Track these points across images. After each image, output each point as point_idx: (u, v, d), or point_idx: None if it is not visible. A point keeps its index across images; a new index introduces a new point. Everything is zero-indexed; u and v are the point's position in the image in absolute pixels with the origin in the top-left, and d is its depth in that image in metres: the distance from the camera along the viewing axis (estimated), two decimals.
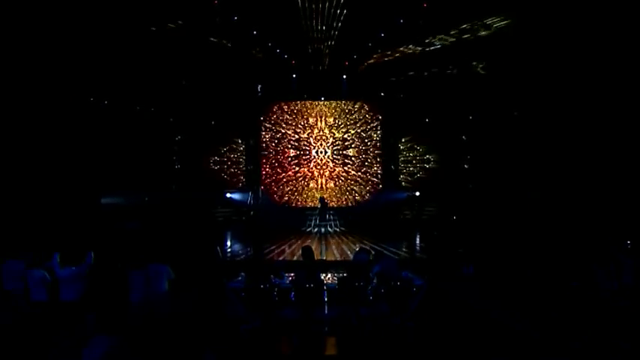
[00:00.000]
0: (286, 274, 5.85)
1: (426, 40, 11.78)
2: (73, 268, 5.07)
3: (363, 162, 16.51)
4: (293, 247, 10.60)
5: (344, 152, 16.53)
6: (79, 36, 9.74)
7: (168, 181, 15.18)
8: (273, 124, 16.44)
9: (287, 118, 16.44)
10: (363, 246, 8.72)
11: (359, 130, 16.52)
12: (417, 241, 11.52)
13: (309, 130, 16.47)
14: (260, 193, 13.98)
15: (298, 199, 16.29)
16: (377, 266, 5.60)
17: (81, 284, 5.05)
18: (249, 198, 15.83)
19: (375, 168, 16.47)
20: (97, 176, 12.44)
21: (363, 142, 16.53)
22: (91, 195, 12.33)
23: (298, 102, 16.35)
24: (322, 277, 5.75)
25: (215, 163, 16.28)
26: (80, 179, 11.75)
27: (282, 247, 10.49)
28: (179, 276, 5.81)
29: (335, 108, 16.46)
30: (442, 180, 15.75)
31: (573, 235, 8.93)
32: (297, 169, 16.46)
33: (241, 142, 16.58)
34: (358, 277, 5.33)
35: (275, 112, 16.44)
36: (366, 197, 16.27)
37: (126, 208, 12.92)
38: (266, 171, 16.40)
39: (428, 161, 16.26)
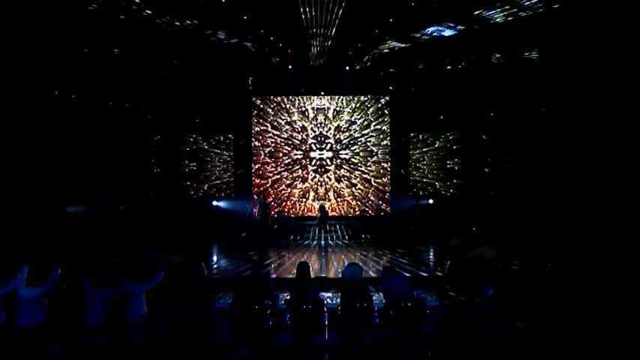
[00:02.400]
0: (281, 294, 5.83)
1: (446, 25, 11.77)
2: (37, 288, 5.02)
3: (368, 166, 16.53)
4: (288, 262, 10.55)
5: (347, 154, 16.55)
6: (38, 18, 9.72)
7: (145, 187, 15.16)
8: (266, 123, 16.48)
9: (282, 116, 16.48)
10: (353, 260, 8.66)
11: (364, 130, 16.56)
12: (431, 256, 11.46)
13: (308, 130, 16.51)
14: (259, 207, 13.85)
15: (295, 208, 16.28)
16: (386, 282, 5.56)
17: (43, 306, 5.00)
18: (249, 211, 15.77)
19: (383, 172, 16.49)
20: (62, 181, 12.42)
21: (368, 143, 16.56)
22: (55, 203, 12.30)
23: (295, 97, 16.41)
24: (322, 297, 5.71)
25: (200, 166, 16.29)
26: (42, 184, 11.73)
27: (276, 263, 10.45)
28: (155, 297, 5.77)
29: (336, 104, 16.51)
30: (460, 186, 15.77)
31: (610, 251, 8.89)
32: (293, 173, 16.48)
33: (230, 143, 16.62)
34: (354, 296, 5.28)
35: (268, 109, 16.49)
36: (375, 205, 16.28)
37: (95, 218, 12.88)
38: (258, 175, 16.42)
39: (443, 165, 16.29)
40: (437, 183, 16.36)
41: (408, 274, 8.52)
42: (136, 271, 5.61)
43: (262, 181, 16.34)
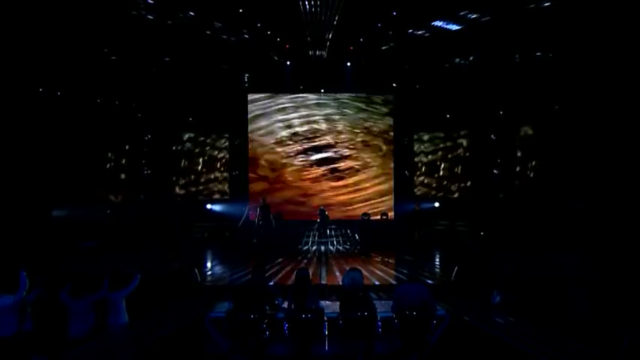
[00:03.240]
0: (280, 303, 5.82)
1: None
2: (11, 296, 4.98)
3: (371, 167, 16.51)
4: (286, 269, 10.52)
5: (348, 155, 16.54)
6: (20, 11, 9.72)
7: (135, 190, 15.14)
8: (262, 121, 16.47)
9: (280, 115, 16.47)
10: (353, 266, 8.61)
11: (366, 129, 16.55)
12: (437, 262, 11.44)
13: (307, 129, 16.50)
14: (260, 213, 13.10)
15: (293, 211, 16.25)
16: (401, 287, 5.51)
17: (16, 317, 4.96)
18: (245, 215, 15.73)
19: (386, 174, 16.48)
20: (48, 183, 12.40)
21: (371, 142, 16.55)
22: (40, 206, 12.27)
23: (293, 95, 16.40)
24: (322, 306, 5.69)
25: (193, 167, 16.27)
26: (26, 187, 11.70)
27: (273, 270, 10.42)
28: (146, 306, 5.74)
29: (338, 102, 16.51)
30: (467, 188, 15.75)
31: (628, 253, 8.87)
32: (291, 174, 16.47)
33: (225, 143, 16.61)
34: (355, 304, 5.26)
35: (265, 107, 16.48)
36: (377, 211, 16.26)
37: (82, 223, 12.85)
38: (254, 177, 16.40)
39: (450, 166, 16.28)
40: (443, 185, 16.35)
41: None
42: (115, 278, 5.58)
43: (259, 183, 16.36)
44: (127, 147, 15.07)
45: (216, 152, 16.54)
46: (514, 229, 13.35)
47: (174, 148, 16.07)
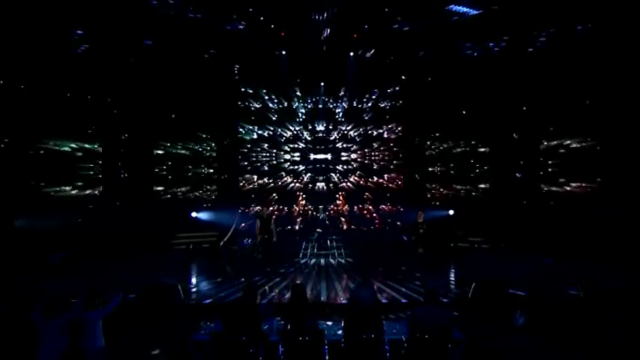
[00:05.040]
0: (275, 323, 5.82)
1: None
2: None
3: (377, 169, 16.55)
4: (281, 285, 10.52)
5: (351, 156, 16.58)
6: None
7: (110, 196, 15.15)
8: (255, 119, 16.51)
9: (275, 111, 16.52)
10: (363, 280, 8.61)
11: (372, 127, 16.60)
12: (452, 278, 11.44)
13: (305, 127, 16.54)
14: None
15: (289, 219, 16.26)
16: (419, 311, 5.49)
17: None
18: (235, 223, 15.75)
19: (394, 178, 16.51)
20: (10, 189, 12.39)
21: (377, 142, 16.60)
22: (1, 215, 12.27)
23: (289, 89, 16.44)
24: (321, 326, 5.70)
25: (176, 170, 16.29)
26: None
27: (266, 286, 10.41)
28: (123, 328, 5.74)
29: (339, 97, 16.54)
30: (486, 194, 15.76)
31: None
32: (287, 178, 16.49)
33: (212, 143, 16.64)
34: (362, 324, 5.26)
35: (258, 102, 16.52)
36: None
37: (50, 234, 12.85)
38: (244, 181, 16.43)
39: (466, 169, 16.31)
40: (458, 189, 16.36)
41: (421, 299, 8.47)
42: (92, 296, 5.59)
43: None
44: (100, 147, 15.07)
45: (202, 153, 16.54)
46: (540, 240, 13.36)
47: (153, 148, 16.06)
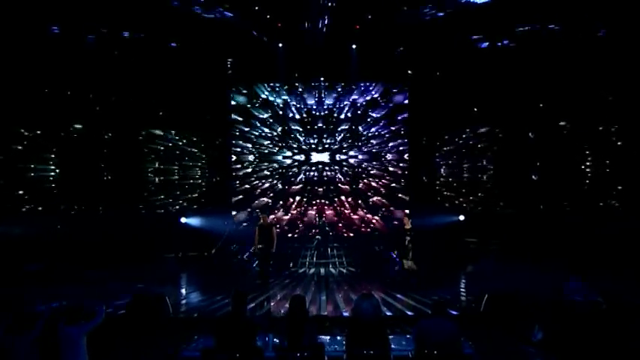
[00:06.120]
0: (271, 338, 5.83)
1: None
2: None
3: (380, 171, 16.57)
4: (277, 296, 10.53)
5: (353, 156, 16.60)
6: None
7: (92, 200, 15.15)
8: (249, 116, 16.55)
9: (270, 108, 16.56)
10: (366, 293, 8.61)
11: (375, 125, 16.64)
12: (463, 290, 11.45)
13: (303, 124, 16.57)
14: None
15: (286, 226, 16.28)
16: (426, 323, 5.50)
17: None
18: (227, 230, 15.74)
19: (399, 180, 16.54)
20: None
21: (381, 142, 16.63)
22: None
23: (286, 84, 16.49)
24: (321, 341, 5.71)
25: (164, 172, 16.31)
26: None
27: (262, 297, 10.43)
28: (106, 344, 5.72)
29: (340, 92, 16.60)
30: (499, 198, 15.76)
31: None
32: (285, 181, 16.53)
33: (204, 142, 16.65)
34: (366, 339, 5.27)
35: (253, 98, 16.55)
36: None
37: (27, 241, 12.84)
38: (238, 183, 16.45)
39: (477, 170, 16.33)
40: (469, 193, 16.39)
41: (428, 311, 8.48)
42: (73, 309, 5.56)
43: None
44: (81, 147, 15.07)
45: (192, 154, 16.57)
46: (559, 248, 13.34)
47: (140, 148, 16.06)
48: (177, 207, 16.26)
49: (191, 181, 16.57)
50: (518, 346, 7.27)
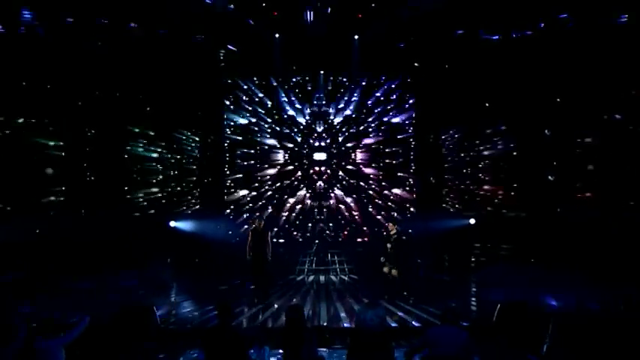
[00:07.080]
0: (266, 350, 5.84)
1: None
2: None
3: (386, 171, 16.60)
4: (274, 306, 10.54)
5: (354, 156, 16.63)
6: None
7: (74, 203, 15.14)
8: (244, 113, 16.58)
9: (266, 103, 16.59)
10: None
11: (379, 122, 16.66)
12: (473, 300, 11.48)
13: (301, 122, 16.60)
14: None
15: (283, 230, 16.31)
16: (436, 331, 5.50)
17: None
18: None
19: (404, 180, 16.57)
20: None
21: (385, 140, 16.66)
22: None
23: (284, 78, 16.54)
24: (321, 354, 5.73)
25: (151, 172, 16.32)
26: None
27: (257, 308, 10.45)
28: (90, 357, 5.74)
29: (341, 87, 16.63)
30: (512, 199, 15.77)
31: None
32: (281, 181, 16.57)
33: (195, 140, 16.68)
34: (369, 351, 5.28)
35: (247, 94, 16.60)
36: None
37: (3, 247, 12.85)
38: (232, 184, 16.48)
39: (489, 170, 16.35)
40: (479, 195, 16.41)
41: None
42: (49, 321, 5.58)
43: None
44: (62, 145, 15.06)
45: (182, 153, 16.58)
46: (577, 255, 13.33)
47: (125, 147, 16.05)
48: (166, 209, 16.22)
49: (181, 181, 16.58)
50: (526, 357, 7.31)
